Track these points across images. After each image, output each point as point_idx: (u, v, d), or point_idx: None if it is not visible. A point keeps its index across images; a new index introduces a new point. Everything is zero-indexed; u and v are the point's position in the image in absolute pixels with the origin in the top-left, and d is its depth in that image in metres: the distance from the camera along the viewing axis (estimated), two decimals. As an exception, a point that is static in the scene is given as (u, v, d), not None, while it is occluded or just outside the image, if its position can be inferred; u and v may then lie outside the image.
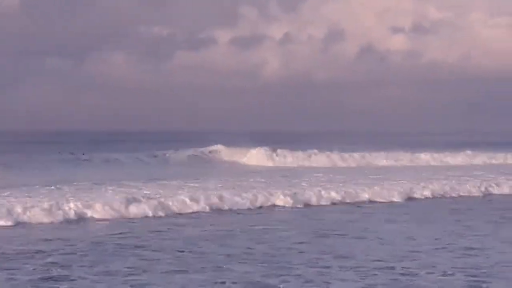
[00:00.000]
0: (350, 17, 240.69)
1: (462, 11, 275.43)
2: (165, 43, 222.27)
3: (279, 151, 55.52)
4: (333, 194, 27.88)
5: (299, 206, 26.36)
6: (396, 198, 28.78)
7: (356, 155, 56.81)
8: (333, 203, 27.27)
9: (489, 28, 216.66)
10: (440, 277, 14.17)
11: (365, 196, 28.57)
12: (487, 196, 31.38)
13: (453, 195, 30.90)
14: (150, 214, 23.15)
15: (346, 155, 56.55)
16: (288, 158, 54.78)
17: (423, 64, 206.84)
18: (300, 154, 55.75)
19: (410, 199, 29.33)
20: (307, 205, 26.73)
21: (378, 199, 28.53)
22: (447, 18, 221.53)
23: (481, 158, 60.57)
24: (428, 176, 39.31)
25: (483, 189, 32.42)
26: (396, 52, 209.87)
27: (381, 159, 56.92)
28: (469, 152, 61.78)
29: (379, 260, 15.78)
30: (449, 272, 14.57)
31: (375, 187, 30.23)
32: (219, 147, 55.92)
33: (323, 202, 27.14)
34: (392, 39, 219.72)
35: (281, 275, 14.28)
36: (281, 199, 26.56)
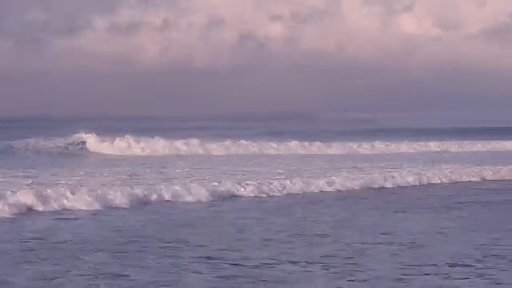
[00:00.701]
0: (229, 5, 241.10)
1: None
2: (40, 28, 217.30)
3: (147, 138, 54.77)
4: (202, 188, 26.71)
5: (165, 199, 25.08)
6: (254, 193, 27.18)
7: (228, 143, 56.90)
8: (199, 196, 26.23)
9: (362, 17, 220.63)
10: (296, 268, 14.13)
11: (228, 185, 27.78)
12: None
13: (306, 190, 28.51)
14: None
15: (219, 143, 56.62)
16: (158, 146, 54.29)
17: (301, 52, 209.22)
18: (173, 142, 55.29)
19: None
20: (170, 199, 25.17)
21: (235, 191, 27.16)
22: (322, 6, 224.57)
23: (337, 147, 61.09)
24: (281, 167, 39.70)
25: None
26: (275, 39, 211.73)
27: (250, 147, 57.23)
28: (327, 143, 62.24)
29: (232, 250, 15.73)
30: (305, 262, 14.55)
31: (238, 177, 30.03)
32: (86, 136, 54.54)
33: (187, 196, 25.87)
34: (270, 27, 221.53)
35: (134, 265, 14.06)
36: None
